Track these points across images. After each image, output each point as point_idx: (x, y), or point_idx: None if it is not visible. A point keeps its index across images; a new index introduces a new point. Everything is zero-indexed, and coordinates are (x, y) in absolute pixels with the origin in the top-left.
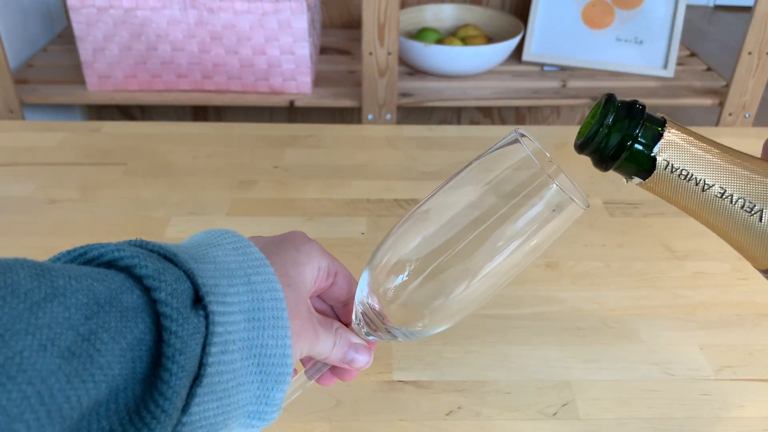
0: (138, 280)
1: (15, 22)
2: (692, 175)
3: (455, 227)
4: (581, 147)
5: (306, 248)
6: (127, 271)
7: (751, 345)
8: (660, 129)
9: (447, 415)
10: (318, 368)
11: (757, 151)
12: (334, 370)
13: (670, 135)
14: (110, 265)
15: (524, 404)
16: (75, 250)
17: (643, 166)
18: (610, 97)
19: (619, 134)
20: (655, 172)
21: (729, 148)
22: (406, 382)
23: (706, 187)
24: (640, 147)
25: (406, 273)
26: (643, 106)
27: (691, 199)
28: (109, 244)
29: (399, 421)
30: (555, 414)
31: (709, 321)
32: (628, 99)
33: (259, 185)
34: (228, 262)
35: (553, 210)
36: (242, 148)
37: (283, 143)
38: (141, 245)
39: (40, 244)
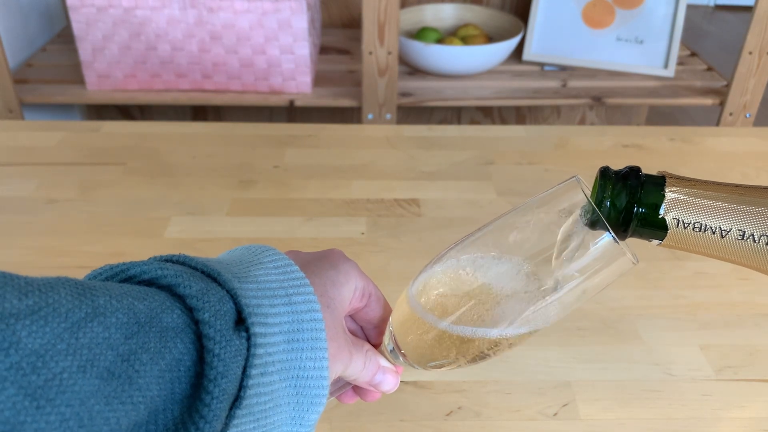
0: (179, 299)
1: (14, 21)
2: (706, 225)
3: (500, 274)
4: (592, 224)
5: (344, 268)
6: (169, 289)
7: (752, 345)
8: (661, 189)
9: (447, 415)
10: (341, 386)
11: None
12: (357, 389)
13: (672, 193)
14: (151, 282)
15: (524, 404)
16: (116, 266)
17: (656, 228)
18: (605, 170)
19: (622, 204)
20: (668, 231)
21: (735, 186)
22: (406, 383)
23: (724, 233)
24: (645, 211)
25: (441, 312)
26: (639, 170)
27: (714, 247)
28: (152, 262)
29: (399, 422)
30: (555, 414)
31: (710, 321)
32: (623, 168)
33: (259, 185)
34: (269, 282)
35: (600, 262)
36: (242, 148)
37: (282, 143)
38: (183, 262)
39: (40, 244)
